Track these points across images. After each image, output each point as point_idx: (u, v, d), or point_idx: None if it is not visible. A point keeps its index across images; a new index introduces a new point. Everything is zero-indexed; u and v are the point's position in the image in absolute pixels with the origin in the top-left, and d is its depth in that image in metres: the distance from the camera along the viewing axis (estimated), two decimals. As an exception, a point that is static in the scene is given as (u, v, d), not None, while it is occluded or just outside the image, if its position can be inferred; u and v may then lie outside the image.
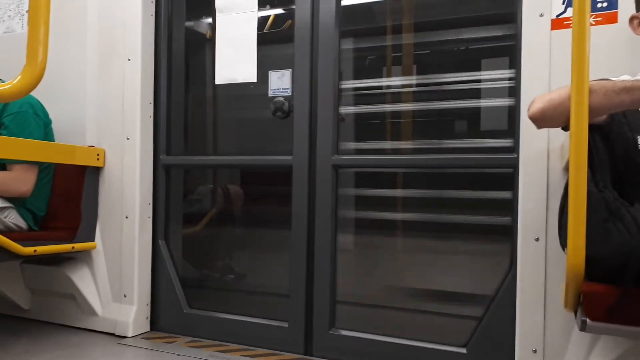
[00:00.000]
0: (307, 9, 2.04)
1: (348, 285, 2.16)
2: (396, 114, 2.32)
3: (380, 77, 2.40)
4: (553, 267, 1.55)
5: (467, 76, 2.15)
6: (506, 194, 1.78)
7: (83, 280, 2.24)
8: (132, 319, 2.18)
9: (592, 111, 1.06)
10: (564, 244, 1.24)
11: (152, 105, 2.29)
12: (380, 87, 2.35)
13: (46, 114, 2.19)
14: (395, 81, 2.33)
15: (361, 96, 2.30)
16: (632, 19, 1.37)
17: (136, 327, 2.21)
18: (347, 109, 2.25)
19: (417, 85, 2.29)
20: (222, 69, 2.23)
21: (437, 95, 2.21)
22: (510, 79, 1.92)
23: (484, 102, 2.14)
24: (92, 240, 2.23)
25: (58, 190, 2.26)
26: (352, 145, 2.34)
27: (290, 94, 2.09)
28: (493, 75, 2.11)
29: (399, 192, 2.36)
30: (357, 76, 2.35)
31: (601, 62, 1.43)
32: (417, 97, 2.30)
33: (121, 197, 2.23)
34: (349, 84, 2.28)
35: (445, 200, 2.22)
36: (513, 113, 1.74)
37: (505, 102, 2.04)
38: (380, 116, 2.36)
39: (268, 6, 2.41)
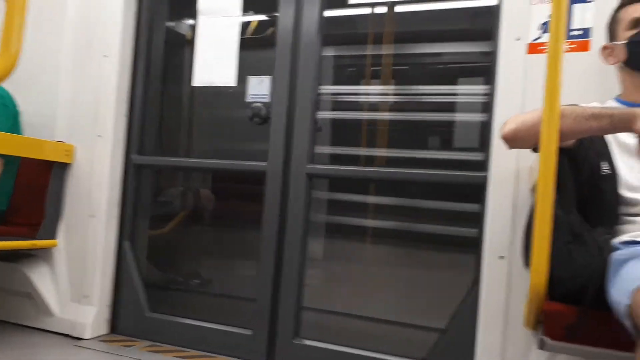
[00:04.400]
0: (291, 17, 2.05)
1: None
2: (372, 122, 2.35)
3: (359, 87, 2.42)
4: (516, 286, 1.57)
5: (444, 90, 2.19)
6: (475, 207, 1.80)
7: (41, 278, 2.16)
8: (91, 320, 2.12)
9: (562, 135, 1.08)
10: (527, 262, 1.26)
11: (126, 104, 2.25)
12: (357, 94, 2.38)
13: (15, 105, 2.13)
14: (374, 90, 2.36)
15: (339, 102, 2.32)
16: (603, 48, 1.42)
17: (95, 329, 2.14)
18: (324, 114, 2.25)
19: (395, 94, 2.32)
20: (201, 71, 2.21)
21: (413, 106, 2.24)
22: (485, 94, 1.95)
23: (458, 117, 2.18)
24: (54, 237, 2.16)
25: (22, 184, 2.19)
26: (327, 150, 2.34)
27: (268, 101, 2.09)
28: (469, 90, 2.15)
29: (370, 199, 2.37)
30: (336, 85, 2.37)
31: (573, 88, 1.46)
32: (393, 107, 2.33)
33: (88, 196, 2.17)
34: (328, 90, 2.29)
35: (416, 209, 2.24)
36: (486, 131, 1.77)
37: (478, 118, 2.08)
38: (356, 124, 2.38)
39: (252, 12, 2.41)
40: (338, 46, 2.39)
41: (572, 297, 1.08)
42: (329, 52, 2.28)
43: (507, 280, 1.58)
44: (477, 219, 1.73)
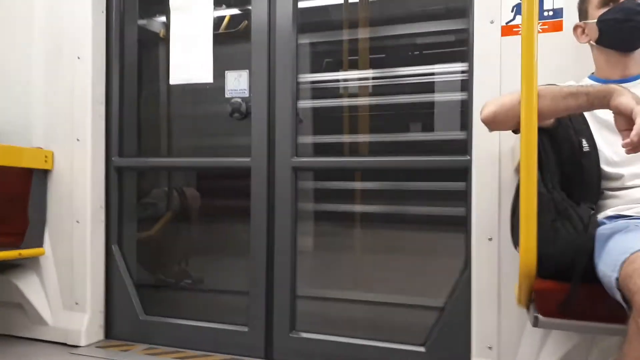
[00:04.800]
0: (264, 10, 2.03)
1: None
2: (353, 109, 2.35)
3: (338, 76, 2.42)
4: (506, 266, 1.61)
5: (423, 70, 2.20)
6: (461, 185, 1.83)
7: (31, 288, 2.14)
8: (85, 327, 2.11)
9: (541, 115, 1.11)
10: (516, 243, 1.29)
11: (103, 106, 2.22)
12: (336, 81, 2.37)
13: (-11, 115, 2.09)
14: (352, 76, 2.35)
15: (318, 90, 2.31)
16: (575, 27, 1.44)
17: (89, 336, 2.13)
18: (304, 103, 2.25)
19: (374, 78, 2.32)
20: (177, 69, 2.19)
21: (393, 89, 2.25)
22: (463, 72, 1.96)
23: (437, 97, 2.19)
24: (41, 246, 2.14)
25: (3, 194, 2.15)
26: (310, 139, 2.33)
27: (247, 95, 2.07)
28: (446, 70, 2.17)
29: (357, 185, 2.39)
30: (313, 72, 2.36)
31: (549, 68, 1.49)
32: (373, 92, 2.33)
33: (71, 201, 2.15)
34: (307, 78, 2.28)
35: (403, 192, 2.26)
36: (465, 114, 1.79)
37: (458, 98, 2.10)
38: (337, 110, 2.37)
39: (224, 6, 2.38)
40: (312, 33, 2.37)
41: (561, 273, 1.12)
42: (304, 39, 2.26)
43: (497, 261, 1.62)
44: (463, 197, 1.76)
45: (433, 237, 2.22)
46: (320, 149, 2.35)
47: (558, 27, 1.59)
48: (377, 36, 2.37)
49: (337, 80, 2.40)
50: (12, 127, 2.20)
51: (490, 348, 1.63)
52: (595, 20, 1.36)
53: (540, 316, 1.11)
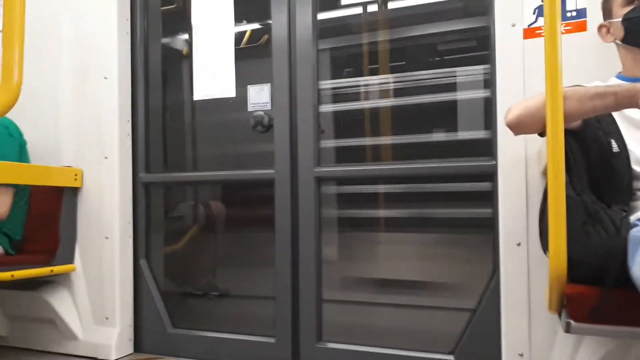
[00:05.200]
0: (284, 23, 2.06)
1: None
2: (374, 114, 2.32)
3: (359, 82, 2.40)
4: (536, 271, 1.57)
5: (444, 73, 2.17)
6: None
7: (63, 303, 2.18)
8: (115, 341, 2.14)
9: (567, 117, 1.09)
10: (545, 247, 1.26)
11: (129, 123, 2.27)
12: (358, 86, 2.35)
13: (21, 135, 2.15)
14: (374, 80, 2.33)
15: (339, 95, 2.30)
16: (600, 27, 1.42)
17: (119, 350, 2.16)
18: (325, 108, 2.23)
19: (395, 81, 2.29)
20: (201, 85, 2.23)
21: (414, 91, 2.22)
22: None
23: (460, 96, 2.15)
24: (72, 262, 2.18)
25: (34, 212, 2.21)
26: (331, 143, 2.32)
27: (269, 108, 2.10)
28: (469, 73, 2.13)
29: (380, 188, 2.35)
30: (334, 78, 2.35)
31: (573, 69, 1.47)
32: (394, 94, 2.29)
33: (100, 218, 2.19)
34: (327, 85, 2.26)
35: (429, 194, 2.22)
36: (489, 118, 1.77)
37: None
38: (358, 114, 2.35)
39: (245, 21, 2.42)
40: (332, 38, 2.37)
41: (593, 278, 1.08)
42: (324, 45, 2.25)
43: (526, 267, 1.59)
44: (489, 198, 1.73)
45: (458, 240, 2.17)
46: (341, 154, 2.32)
47: (582, 28, 1.57)
48: (397, 37, 2.35)
49: (357, 85, 2.37)
50: (43, 147, 2.26)
51: (521, 355, 1.59)
52: (620, 19, 1.33)
53: (572, 322, 1.08)
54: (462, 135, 2.15)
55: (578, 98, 1.16)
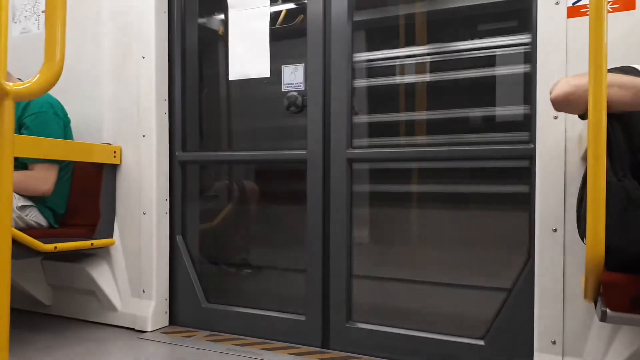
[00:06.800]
0: (319, 2, 2.04)
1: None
2: (410, 90, 2.25)
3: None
4: (572, 258, 1.54)
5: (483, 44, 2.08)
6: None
7: (102, 276, 2.27)
8: (151, 313, 2.22)
9: (620, 107, 1.05)
10: (583, 234, 1.23)
11: (167, 102, 2.31)
12: (393, 58, 2.27)
13: (65, 114, 2.22)
14: (408, 52, 2.25)
15: (374, 69, 2.24)
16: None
17: (155, 322, 2.24)
18: (359, 82, 2.19)
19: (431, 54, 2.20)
20: (235, 65, 2.24)
21: (451, 65, 2.14)
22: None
23: (499, 73, 2.07)
24: (111, 236, 2.26)
25: (77, 188, 2.29)
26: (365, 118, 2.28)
27: (303, 89, 2.09)
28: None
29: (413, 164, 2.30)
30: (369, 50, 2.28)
31: (619, 50, 1.41)
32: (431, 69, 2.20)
33: (138, 194, 2.25)
34: (362, 57, 2.20)
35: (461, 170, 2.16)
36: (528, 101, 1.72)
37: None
38: (393, 90, 2.28)
39: (280, 1, 2.41)
40: (368, 9, 2.30)
41: (632, 265, 1.05)
42: (359, 16, 2.20)
43: (562, 253, 1.55)
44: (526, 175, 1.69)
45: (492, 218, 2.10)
46: (374, 128, 2.28)
47: (630, 6, 1.49)
48: (433, 9, 2.26)
49: (393, 58, 2.30)
50: (85, 125, 2.34)
51: (554, 343, 1.57)
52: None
53: (608, 310, 1.05)
54: (500, 111, 2.07)
55: (635, 92, 1.11)
